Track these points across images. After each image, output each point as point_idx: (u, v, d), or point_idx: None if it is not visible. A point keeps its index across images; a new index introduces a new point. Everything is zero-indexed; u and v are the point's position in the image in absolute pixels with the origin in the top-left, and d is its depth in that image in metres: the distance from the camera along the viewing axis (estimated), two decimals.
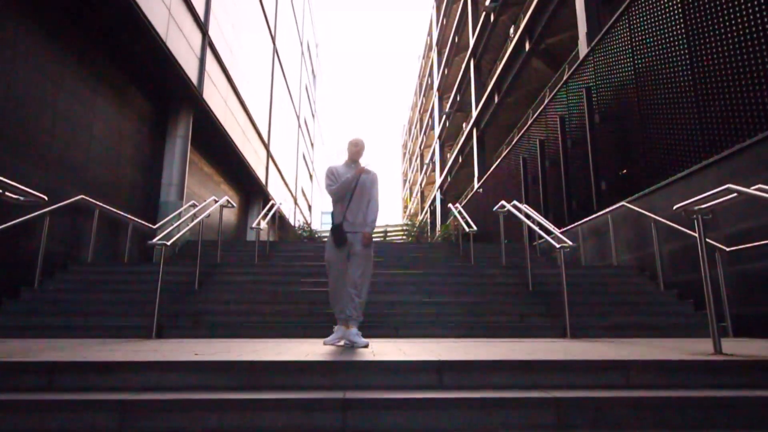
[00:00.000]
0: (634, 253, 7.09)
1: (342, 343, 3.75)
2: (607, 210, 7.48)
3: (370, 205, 4.00)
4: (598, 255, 8.10)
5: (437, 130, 32.56)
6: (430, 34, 38.57)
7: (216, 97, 10.99)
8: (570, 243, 5.30)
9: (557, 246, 5.30)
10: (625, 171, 7.58)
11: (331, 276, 3.92)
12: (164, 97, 9.76)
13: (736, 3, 5.36)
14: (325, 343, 3.68)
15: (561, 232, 7.16)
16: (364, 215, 3.98)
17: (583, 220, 8.32)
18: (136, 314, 5.31)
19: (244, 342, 4.21)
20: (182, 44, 8.89)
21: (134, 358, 2.73)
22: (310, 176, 34.73)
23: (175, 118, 9.96)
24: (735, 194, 3.50)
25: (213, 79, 10.79)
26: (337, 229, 3.91)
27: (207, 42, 10.42)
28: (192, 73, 9.38)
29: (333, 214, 4.06)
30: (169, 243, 5.22)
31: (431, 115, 36.81)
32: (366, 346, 3.55)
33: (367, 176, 4.06)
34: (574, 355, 2.94)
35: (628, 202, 7.00)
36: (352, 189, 3.97)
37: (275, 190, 18.79)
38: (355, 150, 4.12)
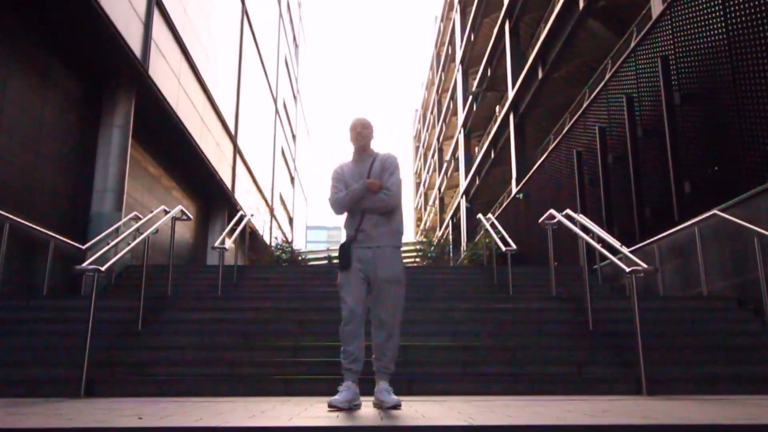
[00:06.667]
0: (731, 280, 7.03)
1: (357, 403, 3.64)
2: (694, 221, 7.43)
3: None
4: (681, 282, 8.04)
5: (461, 117, 32.69)
6: None
7: (166, 73, 11.07)
8: (644, 266, 5.25)
9: (627, 270, 5.25)
10: (716, 167, 7.54)
11: (343, 307, 3.75)
12: (97, 74, 9.83)
13: None
14: (331, 405, 3.46)
15: (631, 251, 7.13)
16: (389, 221, 3.81)
17: (660, 235, 8.28)
18: (59, 364, 5.27)
19: (205, 401, 4.16)
20: (121, 3, 8.98)
21: (54, 423, 2.70)
22: (291, 178, 34.91)
23: (112, 101, 10.03)
24: None
25: (162, 50, 10.88)
26: (343, 248, 3.79)
27: (154, 0, 10.52)
28: (134, 42, 9.45)
29: (344, 226, 3.95)
30: (103, 269, 5.21)
31: (453, 97, 36.98)
32: (398, 407, 3.46)
33: (378, 161, 3.88)
34: (655, 419, 2.89)
35: (721, 210, 6.95)
36: (362, 194, 3.80)
37: (245, 197, 18.86)
38: (357, 134, 3.90)
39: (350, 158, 4.01)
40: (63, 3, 8.02)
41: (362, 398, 3.72)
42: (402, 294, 3.79)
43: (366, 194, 3.79)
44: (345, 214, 3.93)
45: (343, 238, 3.98)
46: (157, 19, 10.73)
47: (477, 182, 28.44)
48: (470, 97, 30.10)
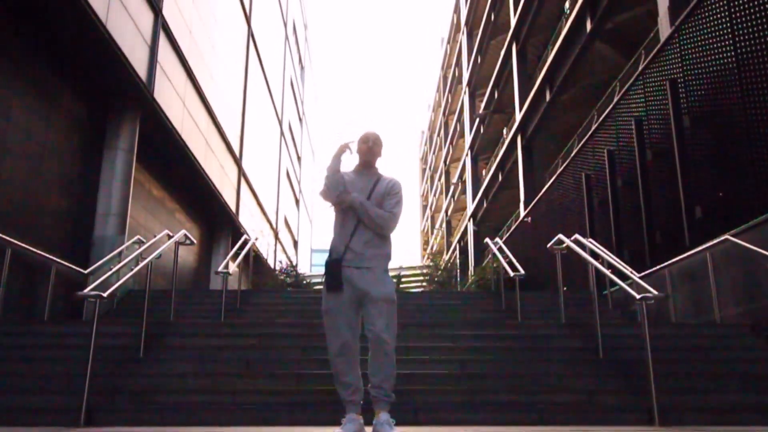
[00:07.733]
0: (744, 306, 6.97)
1: None
2: (705, 246, 7.40)
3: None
4: (693, 308, 7.98)
5: (468, 139, 32.82)
6: (457, 10, 39.29)
7: (171, 96, 11.18)
8: (654, 292, 5.23)
9: (637, 296, 5.22)
10: (724, 193, 7.52)
11: (332, 337, 3.64)
12: (102, 97, 9.93)
13: None
14: None
15: (641, 277, 7.09)
16: (381, 243, 3.73)
17: (671, 261, 8.24)
18: (59, 392, 5.26)
19: (207, 431, 4.14)
20: (127, 27, 9.10)
21: None
22: (297, 201, 34.97)
23: (117, 124, 10.11)
24: None
25: (167, 73, 10.99)
26: (332, 267, 3.65)
27: (160, 23, 10.66)
28: (140, 65, 9.56)
29: (332, 242, 3.80)
30: (105, 294, 5.20)
31: (459, 119, 37.17)
32: None
33: (383, 184, 3.83)
34: None
35: (733, 236, 6.92)
36: (358, 204, 3.72)
37: (249, 220, 18.89)
38: (369, 149, 3.85)
39: (350, 169, 3.94)
40: (68, 26, 8.14)
41: (367, 429, 3.68)
42: (395, 314, 3.67)
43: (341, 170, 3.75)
44: (333, 229, 3.83)
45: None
46: (163, 42, 10.85)
47: (485, 205, 28.45)
48: (477, 119, 30.24)
